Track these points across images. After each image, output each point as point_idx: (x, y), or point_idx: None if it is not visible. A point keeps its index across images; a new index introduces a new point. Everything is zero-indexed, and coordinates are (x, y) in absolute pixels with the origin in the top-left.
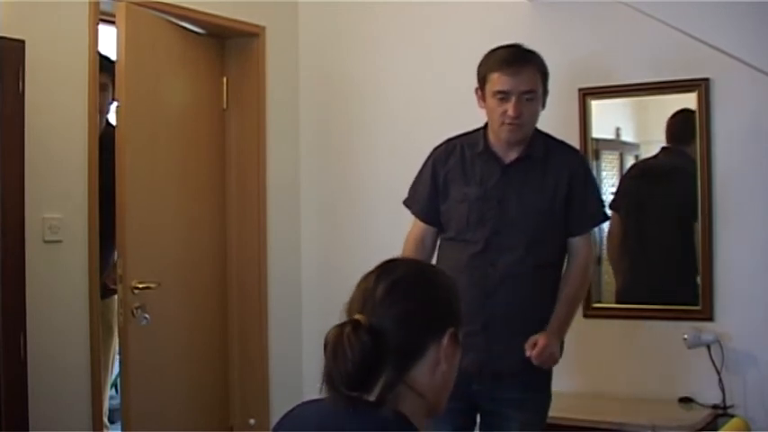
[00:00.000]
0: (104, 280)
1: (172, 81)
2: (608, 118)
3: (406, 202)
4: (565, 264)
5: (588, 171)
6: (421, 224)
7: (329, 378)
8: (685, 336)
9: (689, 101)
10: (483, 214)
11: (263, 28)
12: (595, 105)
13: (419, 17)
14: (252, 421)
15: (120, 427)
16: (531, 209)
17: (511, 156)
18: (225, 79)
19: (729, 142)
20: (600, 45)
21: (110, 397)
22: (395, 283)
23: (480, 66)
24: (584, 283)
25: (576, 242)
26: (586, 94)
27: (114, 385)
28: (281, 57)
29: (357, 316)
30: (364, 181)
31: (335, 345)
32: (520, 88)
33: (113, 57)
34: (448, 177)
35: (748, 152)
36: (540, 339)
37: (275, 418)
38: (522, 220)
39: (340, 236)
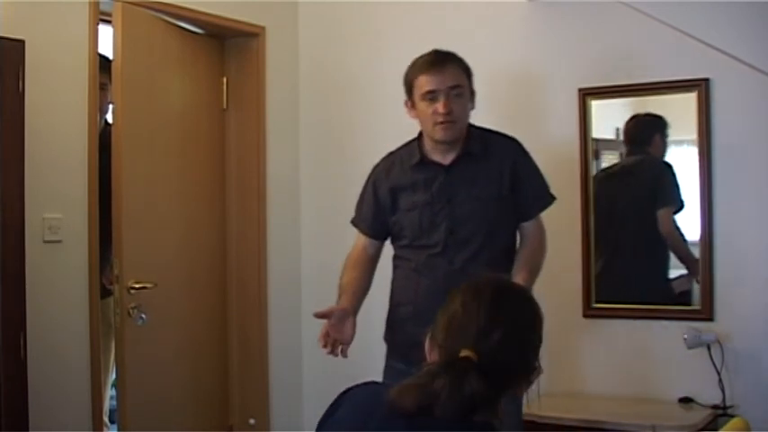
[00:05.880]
0: (101, 280)
1: (171, 81)
2: (608, 118)
3: (354, 222)
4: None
5: (529, 157)
6: (365, 238)
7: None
8: (685, 336)
9: (687, 101)
10: (434, 217)
11: (263, 28)
12: (595, 105)
13: (419, 17)
14: (252, 421)
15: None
16: (481, 202)
17: (450, 157)
18: (225, 79)
19: (729, 142)
20: (600, 45)
21: (110, 397)
22: (513, 325)
23: (405, 77)
24: (542, 254)
25: (528, 227)
26: (586, 94)
27: (115, 385)
28: (280, 57)
29: (469, 354)
30: (364, 181)
31: (448, 383)
32: (446, 84)
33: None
34: (393, 190)
35: (748, 152)
36: None
37: (275, 418)
38: (473, 215)
39: (340, 235)
